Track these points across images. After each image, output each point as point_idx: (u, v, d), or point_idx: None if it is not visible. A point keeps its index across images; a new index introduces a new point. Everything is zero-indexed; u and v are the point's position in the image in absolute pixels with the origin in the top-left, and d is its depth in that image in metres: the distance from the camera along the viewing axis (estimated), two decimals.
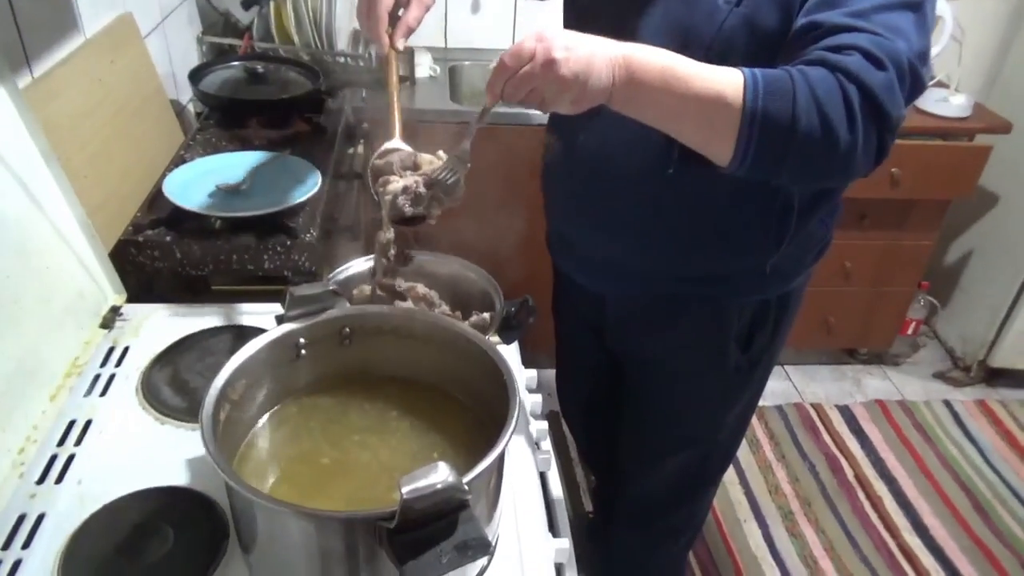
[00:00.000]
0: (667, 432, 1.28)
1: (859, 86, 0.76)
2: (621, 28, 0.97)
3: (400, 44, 0.95)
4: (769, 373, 1.25)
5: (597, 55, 0.77)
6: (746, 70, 0.78)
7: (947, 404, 2.41)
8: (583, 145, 1.06)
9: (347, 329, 0.84)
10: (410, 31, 0.95)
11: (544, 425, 1.02)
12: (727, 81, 0.77)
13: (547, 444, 1.01)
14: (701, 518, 1.48)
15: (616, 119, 0.99)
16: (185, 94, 1.75)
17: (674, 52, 0.88)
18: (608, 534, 1.53)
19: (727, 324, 1.11)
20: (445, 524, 0.59)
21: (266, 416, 0.82)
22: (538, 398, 1.07)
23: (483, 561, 0.77)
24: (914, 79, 0.80)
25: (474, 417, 0.83)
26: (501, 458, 0.71)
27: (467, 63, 2.25)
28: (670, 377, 1.21)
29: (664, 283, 1.09)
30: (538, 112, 2.46)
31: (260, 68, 1.70)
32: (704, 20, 0.91)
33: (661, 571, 1.54)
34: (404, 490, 0.57)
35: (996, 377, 2.51)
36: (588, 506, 1.98)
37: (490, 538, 0.74)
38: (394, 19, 0.94)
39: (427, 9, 0.95)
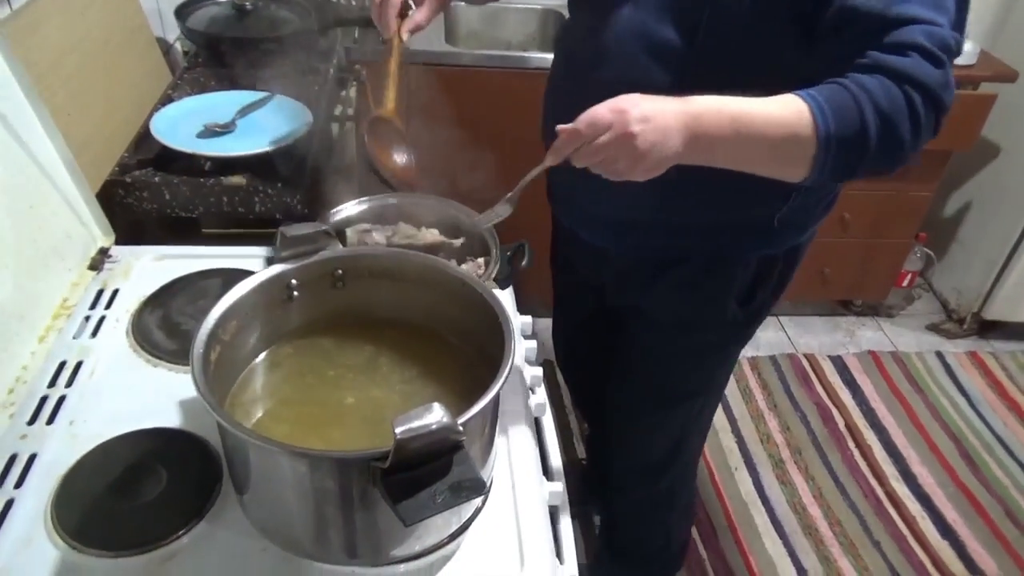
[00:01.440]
0: (662, 386, 1.26)
1: (922, 90, 0.76)
2: None
3: (406, 36, 0.97)
4: (759, 324, 1.23)
5: (671, 121, 0.77)
6: (806, 96, 0.78)
7: (939, 356, 2.42)
8: (587, 97, 1.03)
9: (339, 271, 0.82)
10: (418, 28, 0.98)
11: (538, 371, 1.02)
12: (795, 116, 0.77)
13: (541, 390, 1.01)
14: (692, 470, 1.47)
15: (618, 68, 0.95)
16: (172, 32, 1.70)
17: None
18: (606, 497, 1.52)
19: (730, 279, 1.09)
20: (439, 465, 0.58)
21: (259, 358, 0.81)
22: (533, 344, 1.06)
23: (478, 502, 0.77)
24: (958, 52, 0.80)
25: (468, 361, 0.82)
26: (496, 400, 0.71)
27: (462, 3, 2.19)
28: (667, 330, 1.19)
29: (669, 237, 1.05)
30: (532, 55, 2.37)
31: (249, 5, 1.64)
32: None
33: (666, 530, 1.52)
34: (398, 430, 0.56)
35: (989, 329, 2.52)
36: (581, 453, 2.00)
37: (484, 479, 0.74)
38: (405, 12, 0.98)
39: (437, 13, 0.99)
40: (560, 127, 0.79)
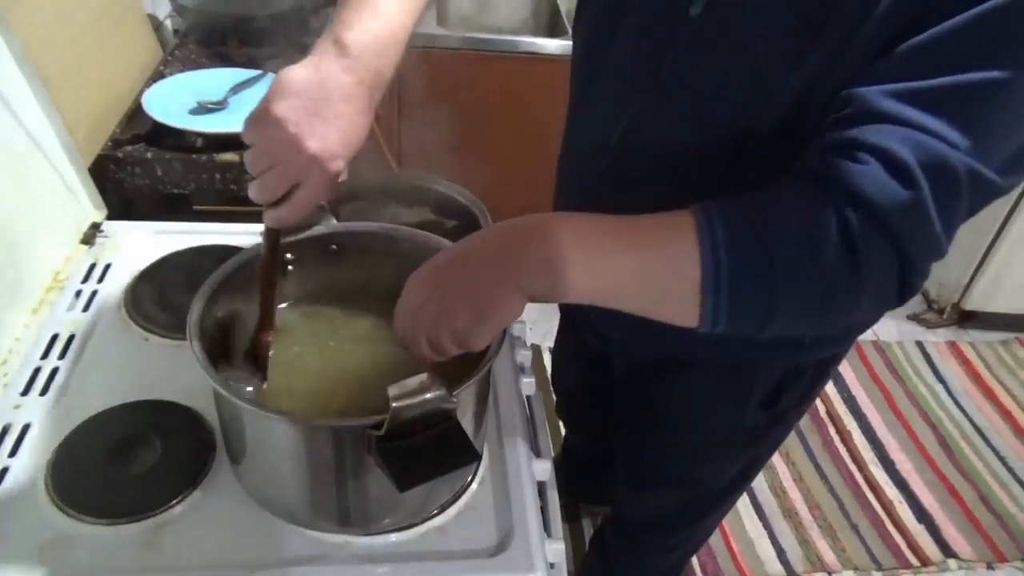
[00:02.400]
0: (672, 475, 1.13)
1: (865, 211, 0.53)
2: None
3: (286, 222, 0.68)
4: (791, 428, 1.06)
5: (473, 249, 0.60)
6: (698, 209, 0.57)
7: (919, 345, 2.46)
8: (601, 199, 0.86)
9: (334, 246, 0.83)
10: (300, 214, 0.67)
11: (528, 352, 1.03)
12: (667, 224, 0.58)
13: (531, 370, 1.03)
14: (698, 542, 1.36)
15: (640, 168, 0.80)
16: (162, 9, 1.69)
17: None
18: (602, 545, 1.44)
19: (748, 389, 0.93)
20: (433, 434, 0.60)
21: (254, 329, 0.82)
22: (523, 326, 1.07)
23: (469, 474, 0.79)
24: (976, 189, 0.54)
25: None
26: (488, 374, 0.72)
27: None
28: (675, 424, 1.06)
29: (680, 342, 0.87)
30: (523, 39, 2.34)
31: None
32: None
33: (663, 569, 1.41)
34: (393, 399, 0.57)
35: (968, 319, 2.57)
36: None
37: (477, 449, 0.76)
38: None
39: (330, 189, 0.67)
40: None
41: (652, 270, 0.58)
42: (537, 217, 0.60)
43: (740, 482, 1.16)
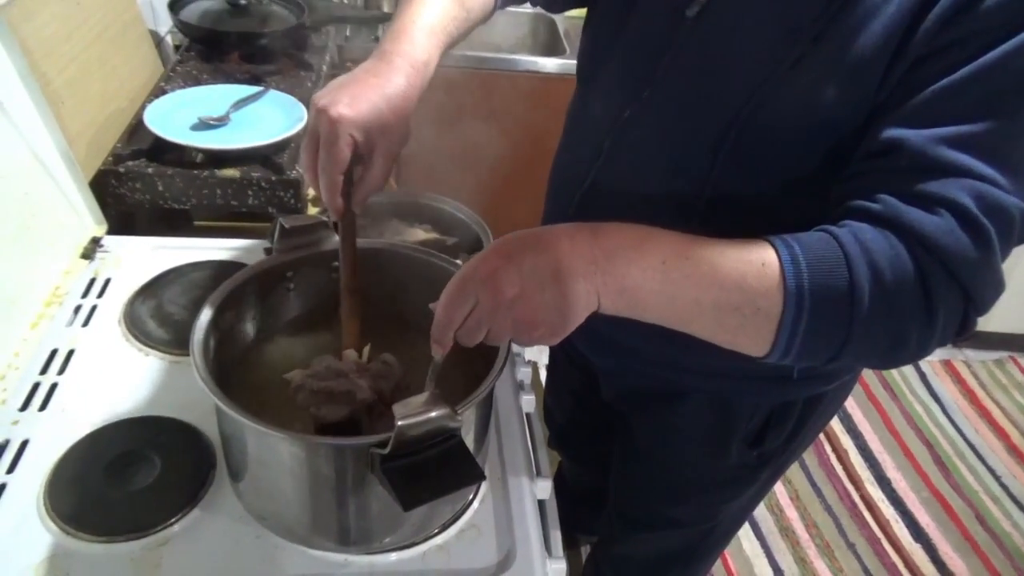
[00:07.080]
0: (655, 507, 1.12)
1: (945, 265, 0.55)
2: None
3: (359, 208, 0.74)
4: (784, 471, 1.05)
5: (565, 258, 0.57)
6: (778, 242, 0.58)
7: (914, 364, 2.47)
8: (585, 213, 0.87)
9: (337, 263, 0.83)
10: (371, 193, 0.73)
11: (528, 369, 1.03)
12: (755, 265, 0.57)
13: (530, 387, 1.02)
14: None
15: (627, 177, 0.80)
16: (163, 25, 1.70)
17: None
18: (597, 568, 1.41)
19: (733, 422, 0.92)
20: (437, 452, 0.60)
21: (256, 347, 0.82)
22: None
23: (470, 493, 0.78)
24: (1021, 235, 0.58)
25: (465, 355, 0.82)
26: (491, 393, 0.72)
27: None
28: (663, 460, 1.04)
29: (663, 368, 0.90)
30: (522, 58, 2.35)
31: (243, 0, 1.65)
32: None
33: None
34: (399, 418, 0.57)
35: (962, 339, 2.58)
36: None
37: (481, 468, 0.75)
38: (350, 180, 0.72)
39: (393, 161, 0.72)
40: (431, 307, 0.62)
41: (734, 304, 0.57)
42: (632, 232, 0.59)
43: (732, 526, 1.15)
